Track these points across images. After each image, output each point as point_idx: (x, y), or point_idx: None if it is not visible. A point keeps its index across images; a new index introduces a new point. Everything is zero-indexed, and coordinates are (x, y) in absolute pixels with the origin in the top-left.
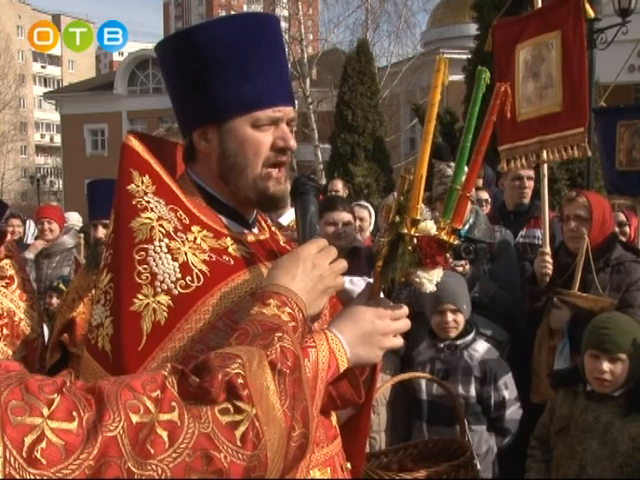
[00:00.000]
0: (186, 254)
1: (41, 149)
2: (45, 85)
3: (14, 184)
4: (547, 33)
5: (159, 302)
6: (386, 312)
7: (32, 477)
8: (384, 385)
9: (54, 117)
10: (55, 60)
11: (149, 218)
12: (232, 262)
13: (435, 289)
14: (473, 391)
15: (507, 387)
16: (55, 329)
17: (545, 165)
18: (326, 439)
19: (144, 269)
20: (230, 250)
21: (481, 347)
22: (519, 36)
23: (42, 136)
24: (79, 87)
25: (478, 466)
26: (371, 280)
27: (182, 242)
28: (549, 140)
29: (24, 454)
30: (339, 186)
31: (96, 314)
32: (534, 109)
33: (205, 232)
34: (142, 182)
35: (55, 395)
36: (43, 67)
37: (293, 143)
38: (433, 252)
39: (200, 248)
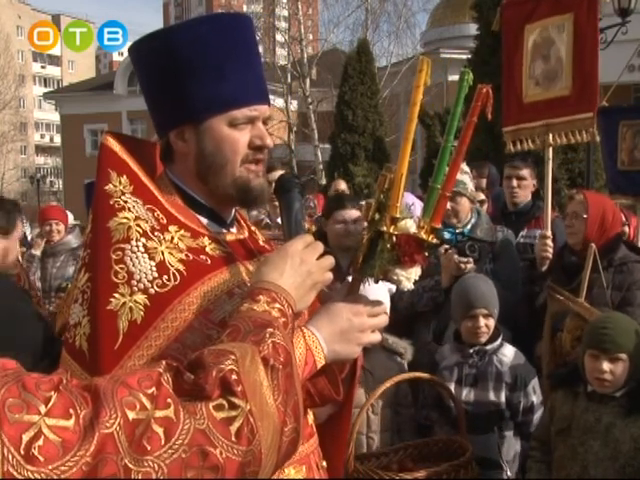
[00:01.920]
0: (163, 253)
1: (41, 149)
2: (45, 85)
3: (14, 184)
4: (559, 15)
5: (136, 301)
6: (363, 309)
7: (30, 474)
8: (384, 386)
9: (54, 117)
10: (55, 60)
11: (126, 218)
12: (209, 261)
13: (412, 287)
14: (503, 397)
15: (535, 392)
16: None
17: (551, 149)
18: (302, 437)
19: (121, 268)
20: (207, 249)
21: (509, 352)
22: (529, 16)
23: (42, 136)
24: (79, 87)
25: (508, 472)
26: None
27: (159, 241)
28: (556, 124)
29: (22, 451)
30: (343, 186)
31: (74, 313)
32: (542, 91)
33: (182, 232)
34: (120, 182)
35: (52, 393)
36: (43, 67)
37: (269, 142)
38: (411, 250)
39: (177, 247)
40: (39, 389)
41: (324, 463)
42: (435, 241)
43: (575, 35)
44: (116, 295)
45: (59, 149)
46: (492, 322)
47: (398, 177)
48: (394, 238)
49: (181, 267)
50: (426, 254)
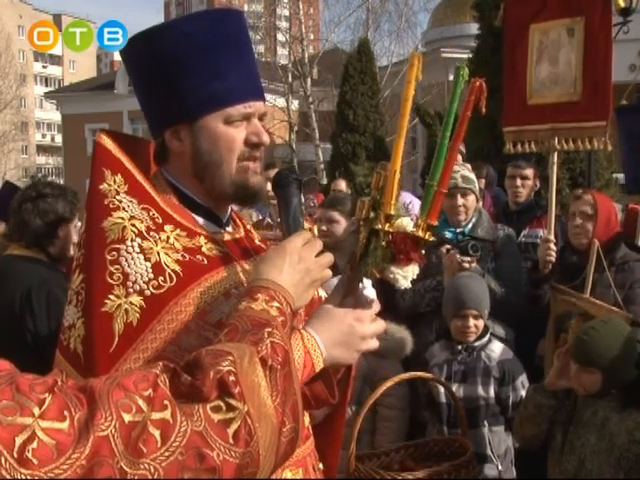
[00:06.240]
0: (159, 254)
1: (42, 149)
2: (46, 85)
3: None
4: (569, 18)
5: (131, 303)
6: (365, 314)
7: (23, 477)
8: (384, 385)
9: (55, 117)
10: (56, 60)
11: (121, 218)
12: (206, 262)
13: (410, 285)
14: (492, 392)
15: (524, 386)
16: None
17: (556, 153)
18: (300, 437)
19: (116, 269)
20: (204, 249)
21: (497, 347)
22: (536, 15)
23: (43, 136)
24: (80, 87)
25: (499, 466)
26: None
27: (155, 242)
28: (564, 128)
29: (15, 454)
30: (342, 186)
31: (68, 315)
32: (549, 94)
33: (178, 231)
34: (114, 181)
35: (46, 394)
36: (44, 67)
37: (266, 138)
38: (407, 248)
39: (173, 247)
40: (33, 391)
41: (320, 465)
42: (432, 239)
43: (586, 41)
44: (111, 297)
45: (60, 149)
46: (481, 322)
47: (392, 174)
48: (389, 236)
49: (177, 268)
50: (422, 252)
